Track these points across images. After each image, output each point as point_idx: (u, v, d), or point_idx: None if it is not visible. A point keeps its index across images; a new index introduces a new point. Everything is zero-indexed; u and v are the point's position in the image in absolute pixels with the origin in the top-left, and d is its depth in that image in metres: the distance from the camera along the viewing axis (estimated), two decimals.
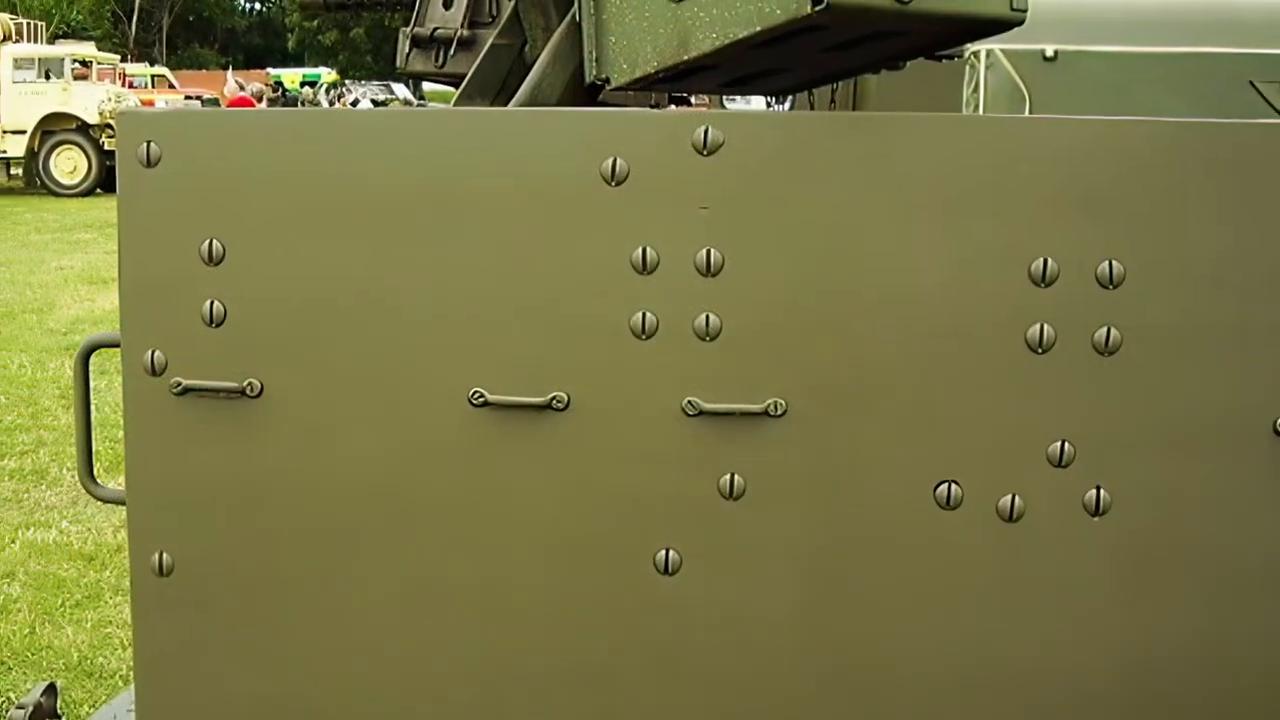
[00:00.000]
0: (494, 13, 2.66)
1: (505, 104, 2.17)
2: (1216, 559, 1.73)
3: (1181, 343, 1.69)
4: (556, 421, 1.76)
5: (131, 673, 1.97)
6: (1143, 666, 1.75)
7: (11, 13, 32.39)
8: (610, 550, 1.78)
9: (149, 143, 1.77)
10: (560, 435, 1.76)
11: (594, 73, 1.88)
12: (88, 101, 25.35)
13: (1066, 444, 1.72)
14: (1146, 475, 1.72)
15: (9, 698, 4.33)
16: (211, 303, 1.79)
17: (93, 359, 2.08)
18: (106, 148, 24.66)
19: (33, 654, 4.70)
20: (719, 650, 1.79)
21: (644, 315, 1.73)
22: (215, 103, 29.64)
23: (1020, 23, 1.70)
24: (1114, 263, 1.68)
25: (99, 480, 2.12)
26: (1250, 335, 1.69)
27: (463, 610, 1.81)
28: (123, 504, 1.90)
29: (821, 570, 1.76)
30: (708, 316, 1.72)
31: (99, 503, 2.24)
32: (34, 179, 25.63)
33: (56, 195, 24.64)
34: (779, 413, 1.73)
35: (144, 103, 27.42)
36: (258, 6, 79.01)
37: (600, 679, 1.81)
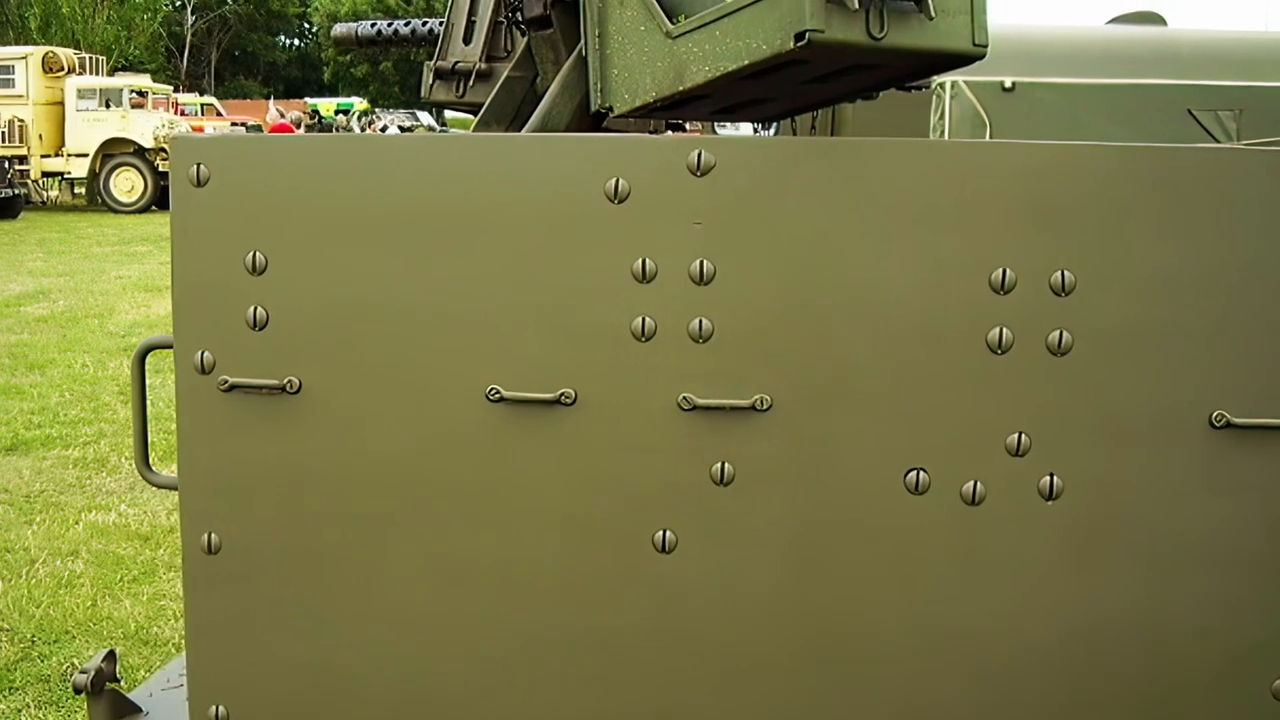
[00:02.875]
0: (509, 48, 2.67)
1: (519, 130, 2.17)
2: (1154, 538, 1.73)
3: (1126, 344, 1.69)
4: (565, 416, 1.76)
5: (183, 641, 1.97)
6: (1087, 632, 1.76)
7: (75, 48, 32.41)
8: (613, 531, 1.78)
9: (199, 165, 1.77)
10: (568, 428, 1.76)
11: (599, 102, 1.88)
12: (144, 128, 25.44)
13: (1023, 435, 1.72)
14: (1094, 464, 1.72)
15: (73, 663, 4.34)
16: (255, 308, 1.79)
17: (148, 359, 2.08)
18: (160, 169, 24.78)
19: (94, 624, 4.70)
20: (710, 620, 1.79)
21: (644, 320, 1.73)
22: (258, 129, 29.63)
23: (982, 57, 1.70)
24: (1066, 273, 1.68)
25: (154, 468, 2.12)
26: (1188, 338, 1.69)
27: (481, 584, 1.81)
28: (175, 489, 1.90)
29: (803, 549, 1.76)
30: (701, 321, 1.72)
31: (154, 488, 2.24)
32: (95, 197, 25.72)
33: (115, 212, 24.68)
34: (765, 407, 1.73)
35: (194, 129, 27.42)
36: (297, 42, 78.98)
37: (604, 646, 1.81)
